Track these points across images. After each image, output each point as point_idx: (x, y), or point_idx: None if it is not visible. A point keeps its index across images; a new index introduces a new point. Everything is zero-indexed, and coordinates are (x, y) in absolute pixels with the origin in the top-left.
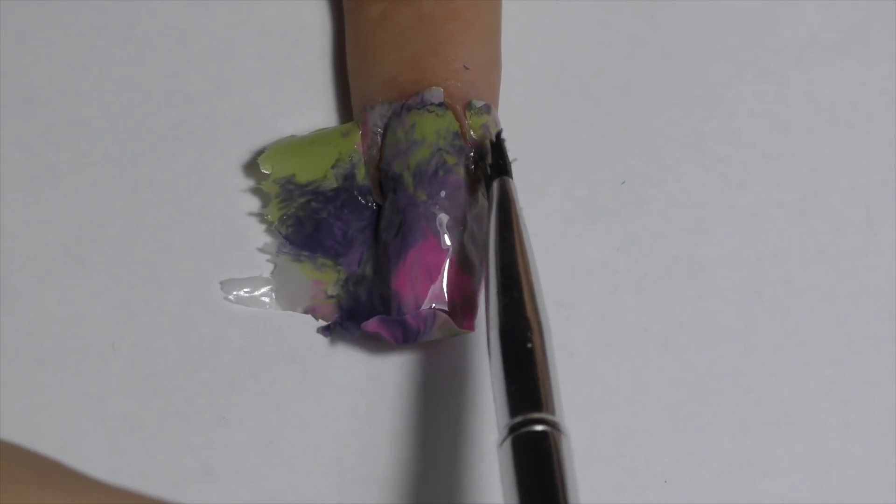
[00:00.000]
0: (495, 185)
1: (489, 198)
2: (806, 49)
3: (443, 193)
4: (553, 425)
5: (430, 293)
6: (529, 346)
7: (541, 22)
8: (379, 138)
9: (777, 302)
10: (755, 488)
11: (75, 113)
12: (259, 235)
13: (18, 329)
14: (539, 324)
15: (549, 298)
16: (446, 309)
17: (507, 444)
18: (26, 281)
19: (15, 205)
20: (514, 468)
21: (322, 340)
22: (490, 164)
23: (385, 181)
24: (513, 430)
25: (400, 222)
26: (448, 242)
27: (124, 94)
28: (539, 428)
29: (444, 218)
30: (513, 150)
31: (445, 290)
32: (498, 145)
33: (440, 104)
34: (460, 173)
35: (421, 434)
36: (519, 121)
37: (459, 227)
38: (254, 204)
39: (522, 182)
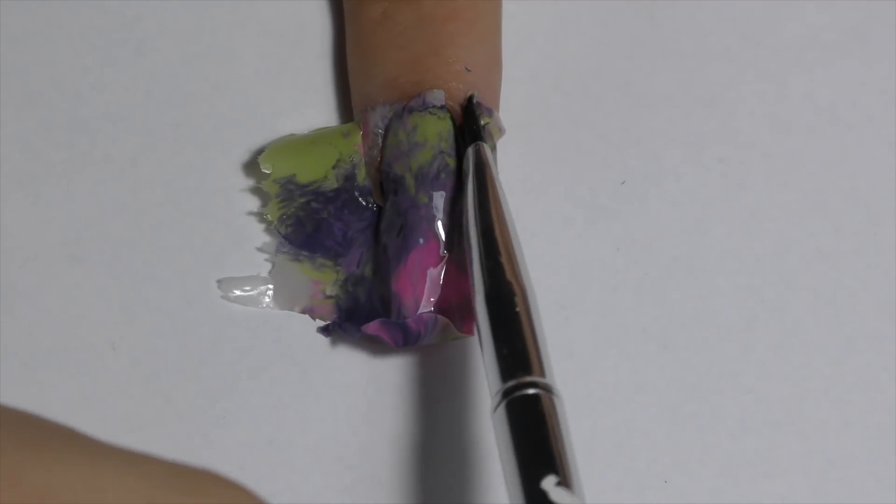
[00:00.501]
0: (470, 152)
1: (465, 165)
2: (806, 49)
3: (444, 196)
4: (545, 388)
5: (430, 296)
6: (517, 310)
7: (541, 22)
8: (380, 140)
9: (777, 302)
10: (755, 488)
11: (75, 113)
12: (258, 235)
13: (18, 329)
14: (523, 287)
15: (549, 299)
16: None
17: (502, 408)
18: (26, 281)
19: (15, 205)
20: (509, 432)
21: (322, 340)
22: (463, 129)
23: (386, 183)
24: (506, 394)
25: (401, 224)
26: (449, 245)
27: (124, 94)
28: (532, 391)
29: (445, 221)
30: (513, 150)
31: (446, 293)
32: (469, 110)
33: (441, 107)
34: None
35: (421, 434)
36: (519, 121)
37: (460, 231)
38: (253, 203)
39: (523, 182)
